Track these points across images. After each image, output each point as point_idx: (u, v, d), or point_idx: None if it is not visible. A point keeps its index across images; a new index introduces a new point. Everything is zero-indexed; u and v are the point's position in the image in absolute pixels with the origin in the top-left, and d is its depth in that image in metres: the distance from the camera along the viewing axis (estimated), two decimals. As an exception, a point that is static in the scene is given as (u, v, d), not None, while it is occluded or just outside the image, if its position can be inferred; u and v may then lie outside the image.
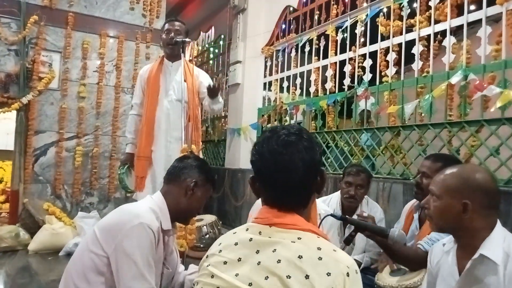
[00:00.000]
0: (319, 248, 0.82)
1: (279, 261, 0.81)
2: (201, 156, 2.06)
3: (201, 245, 3.53)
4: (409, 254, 1.66)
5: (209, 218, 3.83)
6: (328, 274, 0.78)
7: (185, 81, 2.79)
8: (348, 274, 0.79)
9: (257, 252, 0.85)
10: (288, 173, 0.89)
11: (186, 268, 1.78)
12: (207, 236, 3.64)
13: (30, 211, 3.77)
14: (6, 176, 5.18)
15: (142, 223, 1.37)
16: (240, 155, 4.79)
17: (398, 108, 2.96)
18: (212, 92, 2.77)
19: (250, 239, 0.88)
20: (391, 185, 2.86)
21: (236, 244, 0.89)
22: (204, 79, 2.98)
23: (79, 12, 4.22)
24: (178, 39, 2.77)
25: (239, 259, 0.86)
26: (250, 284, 0.81)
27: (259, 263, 0.83)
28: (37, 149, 4.02)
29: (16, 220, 3.79)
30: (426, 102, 2.69)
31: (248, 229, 0.92)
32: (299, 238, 0.84)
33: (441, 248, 1.33)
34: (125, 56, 4.45)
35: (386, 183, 2.90)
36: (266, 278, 0.80)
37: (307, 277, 0.77)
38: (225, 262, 0.87)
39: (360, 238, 2.15)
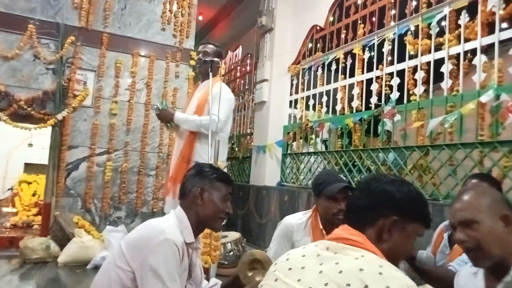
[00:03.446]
0: (380, 266, 0.84)
1: (340, 272, 0.84)
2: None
3: (225, 262, 3.52)
4: (440, 275, 1.62)
5: (234, 235, 3.83)
6: (387, 287, 0.79)
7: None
8: None
9: (321, 264, 0.90)
10: (365, 195, 1.01)
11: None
12: (231, 253, 3.63)
13: (61, 224, 3.88)
14: (40, 190, 5.37)
15: (167, 239, 1.39)
16: (265, 172, 4.79)
17: (422, 123, 2.91)
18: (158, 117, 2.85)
19: (318, 255, 0.93)
20: (419, 206, 2.77)
21: (303, 256, 0.96)
22: (214, 94, 2.65)
23: (113, 33, 4.41)
24: (206, 59, 2.84)
25: (303, 267, 0.91)
26: None
27: (321, 272, 0.87)
28: (69, 164, 4.17)
29: (47, 232, 3.91)
30: (453, 118, 2.63)
31: (317, 245, 0.98)
32: (362, 256, 0.89)
33: (468, 269, 1.28)
34: (155, 74, 4.58)
35: (414, 203, 2.82)
36: (326, 284, 0.83)
37: (366, 287, 0.79)
38: (290, 268, 0.93)
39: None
